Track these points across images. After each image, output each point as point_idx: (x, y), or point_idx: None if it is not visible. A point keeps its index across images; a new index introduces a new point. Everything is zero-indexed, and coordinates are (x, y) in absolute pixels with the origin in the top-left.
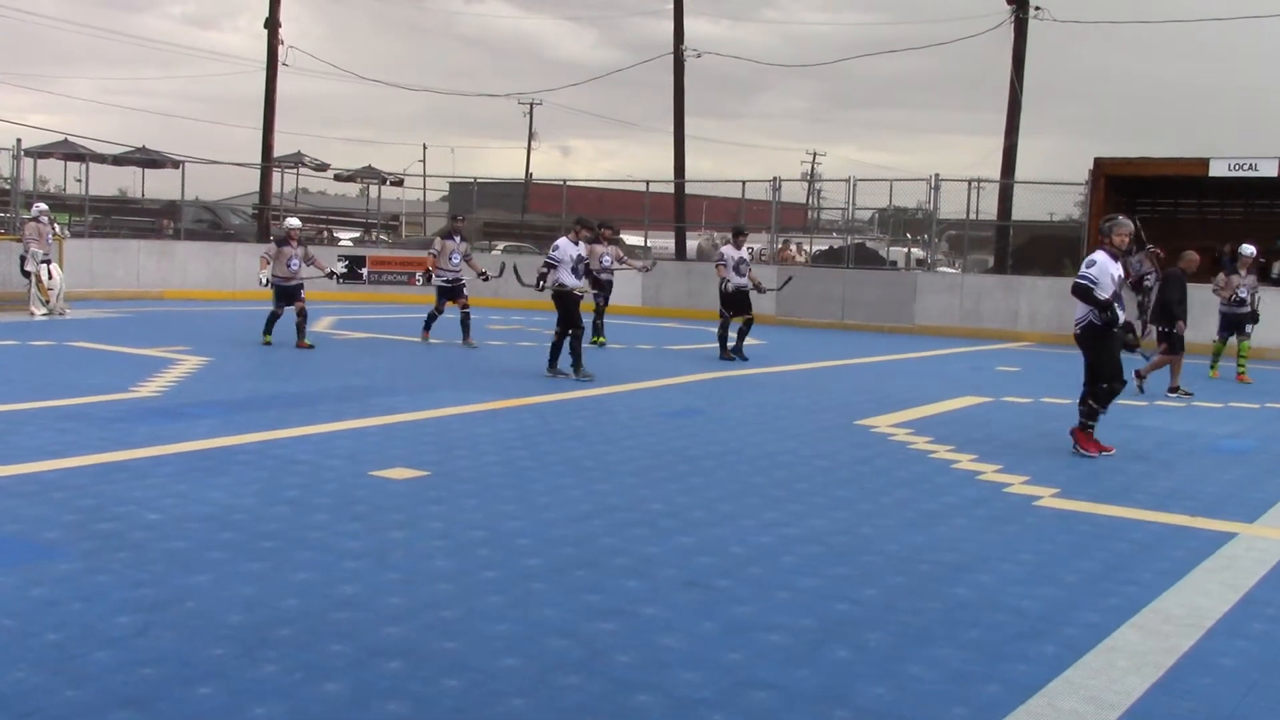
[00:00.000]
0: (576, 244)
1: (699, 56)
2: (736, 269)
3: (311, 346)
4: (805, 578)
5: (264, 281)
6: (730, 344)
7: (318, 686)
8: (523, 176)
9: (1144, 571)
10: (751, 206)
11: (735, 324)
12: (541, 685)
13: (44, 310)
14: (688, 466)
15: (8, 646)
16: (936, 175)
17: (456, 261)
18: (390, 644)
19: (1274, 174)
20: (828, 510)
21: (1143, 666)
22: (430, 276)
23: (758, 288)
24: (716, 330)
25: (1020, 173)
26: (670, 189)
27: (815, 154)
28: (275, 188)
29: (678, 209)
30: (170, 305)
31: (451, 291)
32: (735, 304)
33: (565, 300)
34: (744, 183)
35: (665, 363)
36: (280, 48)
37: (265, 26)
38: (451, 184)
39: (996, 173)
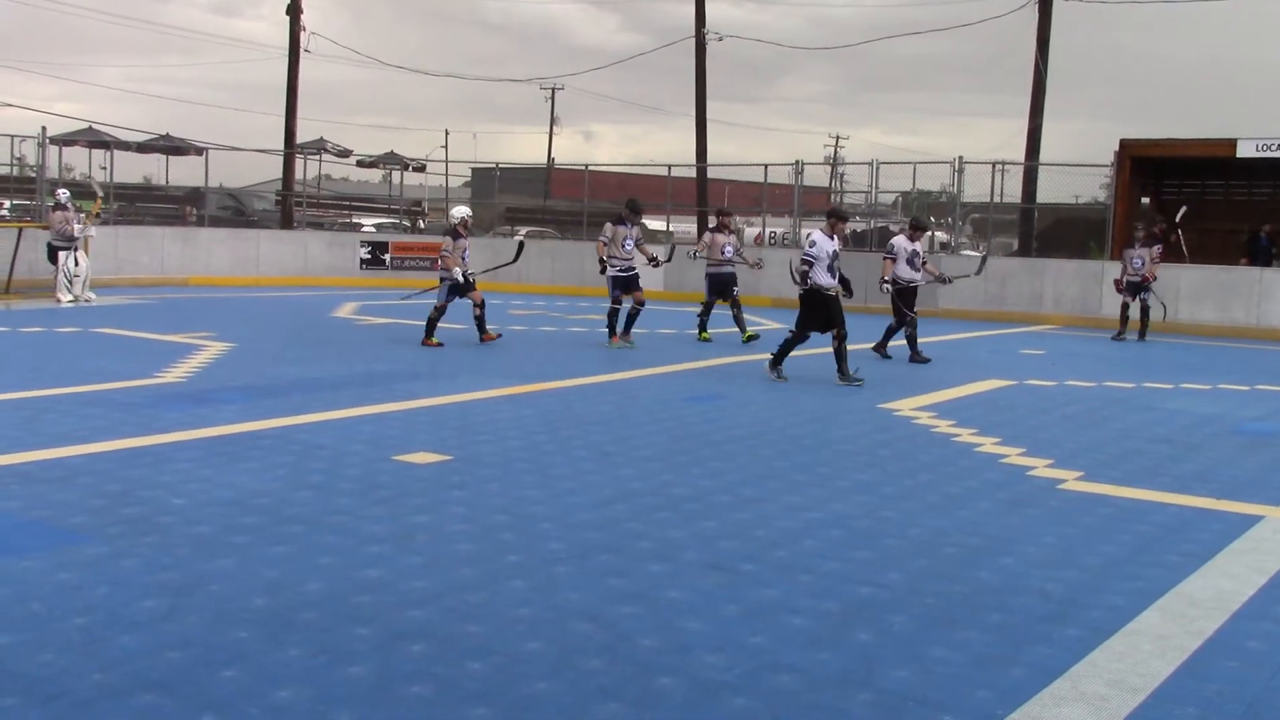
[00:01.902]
0: (832, 238)
1: (720, 40)
2: (910, 262)
3: (498, 335)
4: (828, 561)
5: (464, 278)
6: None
7: (342, 669)
8: (545, 162)
9: (1169, 554)
10: (774, 190)
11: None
12: (565, 668)
13: (70, 297)
14: (710, 451)
15: (35, 630)
16: (960, 158)
17: (630, 248)
18: (414, 627)
19: None
20: (850, 494)
21: (1167, 650)
22: (604, 267)
23: (941, 279)
24: (904, 332)
25: (1045, 155)
26: (692, 173)
27: (838, 137)
28: (298, 174)
29: (700, 193)
30: (195, 291)
31: (628, 282)
32: (909, 299)
33: (816, 301)
34: (766, 166)
35: (688, 348)
36: (302, 34)
37: (287, 13)
38: (474, 170)
39: (1021, 155)
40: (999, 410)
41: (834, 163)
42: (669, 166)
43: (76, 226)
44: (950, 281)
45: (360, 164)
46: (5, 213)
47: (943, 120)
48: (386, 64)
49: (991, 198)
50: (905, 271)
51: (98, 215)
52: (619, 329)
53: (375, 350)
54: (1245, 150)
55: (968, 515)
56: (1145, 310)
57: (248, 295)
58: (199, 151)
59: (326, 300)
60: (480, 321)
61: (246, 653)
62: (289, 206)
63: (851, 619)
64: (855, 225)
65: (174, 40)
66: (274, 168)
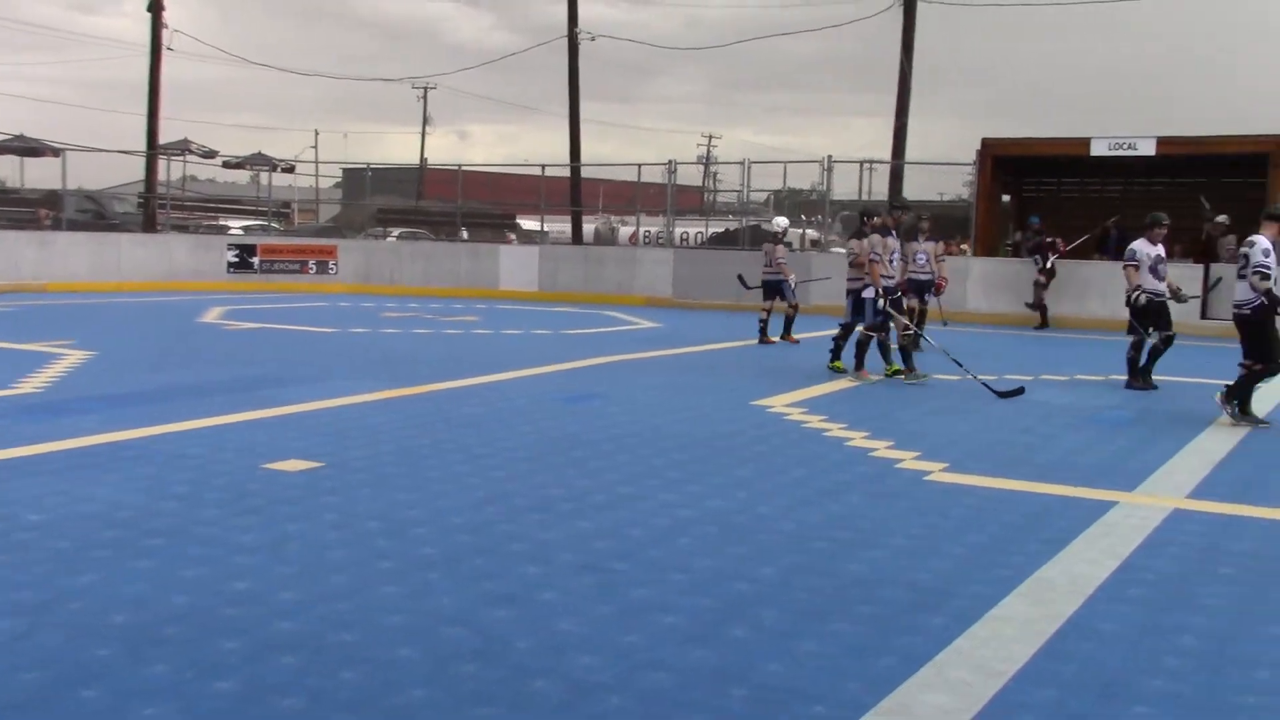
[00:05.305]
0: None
1: (593, 39)
2: (1154, 270)
3: (796, 342)
4: (703, 558)
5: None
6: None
7: (209, 684)
8: (418, 162)
9: (1030, 542)
10: (647, 190)
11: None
12: (439, 674)
13: None
14: (586, 451)
15: None
16: (829, 157)
17: (896, 264)
18: (285, 638)
19: (1152, 153)
20: (725, 490)
21: (1028, 634)
22: (876, 292)
23: (1176, 295)
24: (1126, 353)
25: (913, 154)
26: (567, 173)
27: (710, 137)
28: (161, 175)
29: (573, 193)
30: (53, 298)
31: (918, 290)
32: (1153, 317)
33: (1268, 319)
34: (639, 166)
35: (562, 348)
36: (165, 31)
37: (149, 9)
38: (345, 170)
39: (889, 154)
40: (866, 404)
41: (707, 162)
42: (543, 166)
43: None
44: (1184, 299)
45: (226, 165)
46: None
47: (814, 119)
48: (253, 62)
49: (860, 195)
50: (1150, 282)
51: None
52: (893, 358)
53: (245, 355)
54: (1098, 149)
55: (839, 509)
56: (922, 314)
57: (109, 301)
58: (56, 153)
59: (192, 305)
60: (788, 322)
61: (108, 671)
62: (152, 209)
63: (726, 615)
64: (728, 224)
65: (30, 37)
66: (137, 169)
